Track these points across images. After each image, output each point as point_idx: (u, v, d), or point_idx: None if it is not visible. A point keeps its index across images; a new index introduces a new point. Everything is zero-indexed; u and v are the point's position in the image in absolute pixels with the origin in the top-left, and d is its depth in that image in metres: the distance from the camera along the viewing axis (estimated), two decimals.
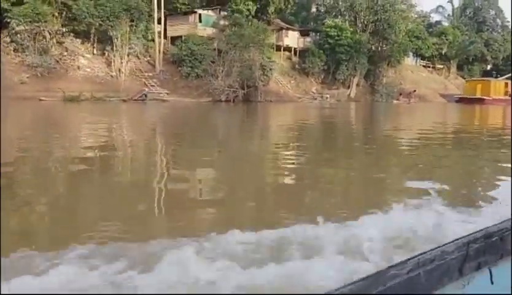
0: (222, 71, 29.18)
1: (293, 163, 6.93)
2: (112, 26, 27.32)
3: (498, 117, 23.49)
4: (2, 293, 2.02)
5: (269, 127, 13.81)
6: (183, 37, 32.36)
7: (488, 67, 66.50)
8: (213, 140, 9.70)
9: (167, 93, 28.44)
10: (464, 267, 0.95)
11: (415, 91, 46.37)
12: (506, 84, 39.46)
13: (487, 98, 36.42)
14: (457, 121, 20.03)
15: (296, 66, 42.99)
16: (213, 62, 31.04)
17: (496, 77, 47.15)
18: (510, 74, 51.33)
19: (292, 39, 43.87)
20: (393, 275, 0.82)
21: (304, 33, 44.90)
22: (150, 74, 30.46)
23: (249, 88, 31.78)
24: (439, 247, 0.95)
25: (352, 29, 42.16)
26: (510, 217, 1.12)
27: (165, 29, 34.25)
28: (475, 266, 0.97)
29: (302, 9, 48.76)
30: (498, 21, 69.97)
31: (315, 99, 39.17)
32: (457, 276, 0.94)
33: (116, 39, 27.87)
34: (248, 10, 33.79)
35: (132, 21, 28.28)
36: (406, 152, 8.46)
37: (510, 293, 0.89)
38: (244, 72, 30.97)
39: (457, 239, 0.99)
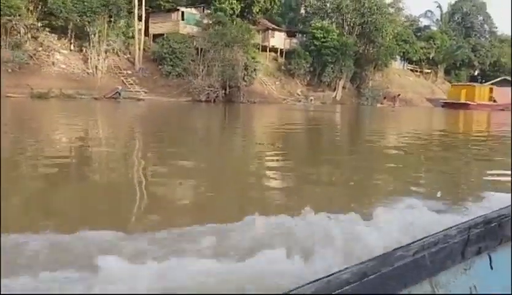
0: (202, 70, 28.45)
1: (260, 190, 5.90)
2: (89, 22, 26.46)
3: (482, 123, 23.03)
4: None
5: (245, 132, 12.88)
6: (164, 35, 31.61)
7: (476, 72, 66.61)
8: (175, 151, 8.05)
9: (145, 92, 27.65)
10: (466, 251, 0.96)
11: (399, 95, 46.03)
12: (491, 90, 39.18)
13: (472, 103, 36.07)
14: (438, 127, 19.49)
15: (282, 67, 42.40)
16: (194, 61, 30.33)
17: (481, 83, 47.05)
18: (497, 80, 51.36)
19: (278, 39, 43.27)
20: (400, 256, 0.84)
21: (290, 34, 44.33)
22: (129, 72, 29.64)
23: (231, 88, 31.10)
24: (442, 231, 0.98)
25: (338, 31, 41.66)
26: (510, 204, 1.13)
27: (147, 27, 33.49)
28: (475, 251, 0.99)
29: (290, 10, 48.20)
30: (486, 26, 70.09)
31: (299, 101, 38.59)
32: (459, 259, 0.95)
33: (94, 35, 27.01)
34: (232, 8, 33.08)
35: (110, 17, 27.43)
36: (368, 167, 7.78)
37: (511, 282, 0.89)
38: (225, 72, 30.27)
39: (459, 224, 1.02)
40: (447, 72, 65.07)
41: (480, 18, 69.54)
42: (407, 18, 63.48)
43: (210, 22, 31.86)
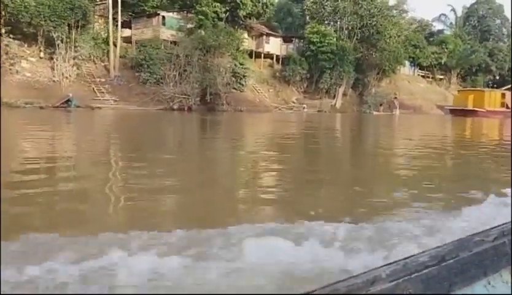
0: (175, 77, 26.20)
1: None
2: (54, 27, 24.66)
3: (490, 135, 18.83)
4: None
5: (189, 150, 9.86)
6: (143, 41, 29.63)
7: (497, 77, 62.15)
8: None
9: (115, 100, 25.59)
10: None
11: (396, 97, 42.57)
12: (503, 95, 35.39)
13: (481, 110, 32.49)
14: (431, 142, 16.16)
15: (277, 74, 39.85)
16: (171, 67, 28.15)
17: (492, 88, 43.27)
18: (510, 85, 47.36)
19: (274, 45, 40.80)
20: (479, 242, 0.80)
21: (287, 40, 41.80)
22: (103, 80, 27.69)
23: (212, 96, 28.76)
24: None
25: (336, 35, 38.87)
26: None
27: (124, 33, 31.66)
28: None
29: (288, 15, 45.66)
30: (504, 30, 65.77)
31: (291, 109, 35.90)
32: None
33: (61, 41, 25.20)
34: (215, 12, 30.81)
35: (77, 22, 25.57)
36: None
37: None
38: (205, 79, 27.98)
39: None
40: (463, 78, 61.10)
41: (498, 21, 65.35)
42: (419, 23, 60.22)
43: (192, 26, 29.67)
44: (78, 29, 25.88)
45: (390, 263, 0.71)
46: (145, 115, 21.60)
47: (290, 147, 10.42)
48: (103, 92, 26.38)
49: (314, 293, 0.60)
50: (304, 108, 35.99)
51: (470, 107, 32.32)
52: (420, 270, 0.70)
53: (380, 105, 37.25)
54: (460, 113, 32.63)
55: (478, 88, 41.72)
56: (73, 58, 25.80)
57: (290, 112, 34.59)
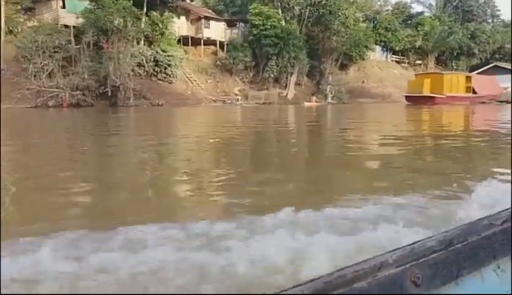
0: (53, 69, 21.41)
1: None
2: None
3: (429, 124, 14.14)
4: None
5: None
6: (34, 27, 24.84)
7: (482, 61, 56.42)
8: None
9: None
10: None
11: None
12: (468, 78, 29.92)
13: (439, 96, 27.17)
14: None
15: (218, 62, 34.89)
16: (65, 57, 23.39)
17: (461, 71, 38.00)
18: (486, 67, 42.02)
19: (216, 30, 35.77)
20: (487, 226, 0.77)
21: (231, 24, 36.77)
22: None
23: (113, 88, 23.94)
24: None
25: (280, 17, 33.72)
26: None
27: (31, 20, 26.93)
28: None
29: None
30: (488, 10, 59.97)
31: (224, 102, 30.96)
32: None
33: None
34: None
35: None
36: None
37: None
38: (102, 69, 23.17)
39: None
40: (443, 62, 55.62)
41: (481, 0, 59.47)
42: (397, 4, 54.68)
43: (91, 7, 24.68)
44: None
45: (397, 249, 0.67)
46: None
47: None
48: None
49: (321, 280, 0.58)
50: (237, 100, 31.00)
51: (426, 93, 27.11)
52: (427, 255, 0.67)
53: (312, 95, 32.06)
54: (416, 100, 27.49)
55: (436, 71, 36.28)
56: None
57: (224, 105, 29.69)
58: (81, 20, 25.11)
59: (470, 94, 29.71)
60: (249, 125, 13.54)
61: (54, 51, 22.62)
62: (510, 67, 42.15)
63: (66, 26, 25.81)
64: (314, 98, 30.73)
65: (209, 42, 35.48)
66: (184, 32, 33.87)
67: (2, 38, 24.48)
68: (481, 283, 0.71)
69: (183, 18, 34.68)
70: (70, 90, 21.67)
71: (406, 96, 29.14)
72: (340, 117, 17.08)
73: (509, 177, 3.75)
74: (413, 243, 0.70)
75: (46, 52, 23.18)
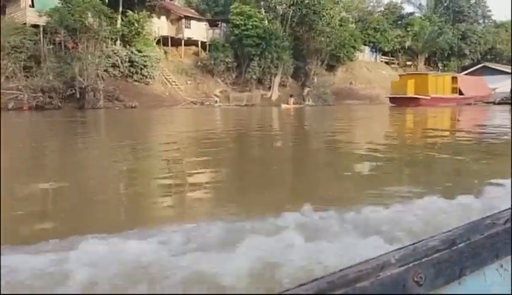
0: (13, 69, 20.33)
1: None
2: None
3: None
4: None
5: None
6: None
7: (473, 61, 55.49)
8: None
9: None
10: None
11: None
12: (454, 79, 28.89)
13: (423, 97, 26.14)
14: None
15: (199, 63, 33.84)
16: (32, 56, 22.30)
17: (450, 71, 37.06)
18: (475, 68, 41.14)
19: (198, 30, 34.73)
20: (490, 225, 0.77)
21: (213, 24, 35.74)
22: None
23: (81, 90, 22.86)
24: None
25: (262, 16, 32.71)
26: None
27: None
28: None
29: None
30: (479, 10, 59.09)
31: (202, 103, 29.90)
32: None
33: None
34: None
35: None
36: None
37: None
38: (69, 70, 22.09)
39: None
40: (434, 63, 54.69)
41: (472, 0, 58.57)
42: (388, 5, 53.76)
43: (58, 5, 23.58)
44: None
45: (400, 248, 0.67)
46: None
47: None
48: None
49: (324, 279, 0.58)
50: (216, 102, 29.94)
51: (410, 95, 26.11)
52: (430, 255, 0.67)
53: (291, 96, 31.00)
54: (400, 102, 26.47)
55: (420, 72, 35.30)
56: None
57: (201, 107, 28.63)
58: (48, 19, 24.05)
59: (456, 96, 28.71)
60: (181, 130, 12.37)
61: (16, 51, 21.51)
62: (499, 68, 41.28)
63: (36, 26, 24.73)
64: (292, 100, 29.62)
65: (190, 43, 34.47)
66: (164, 32, 32.86)
67: None
68: (484, 282, 0.70)
69: (163, 17, 33.68)
70: (33, 92, 20.55)
71: (390, 98, 28.12)
72: (301, 122, 15.68)
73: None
74: (416, 243, 0.68)
75: (10, 53, 22.07)
